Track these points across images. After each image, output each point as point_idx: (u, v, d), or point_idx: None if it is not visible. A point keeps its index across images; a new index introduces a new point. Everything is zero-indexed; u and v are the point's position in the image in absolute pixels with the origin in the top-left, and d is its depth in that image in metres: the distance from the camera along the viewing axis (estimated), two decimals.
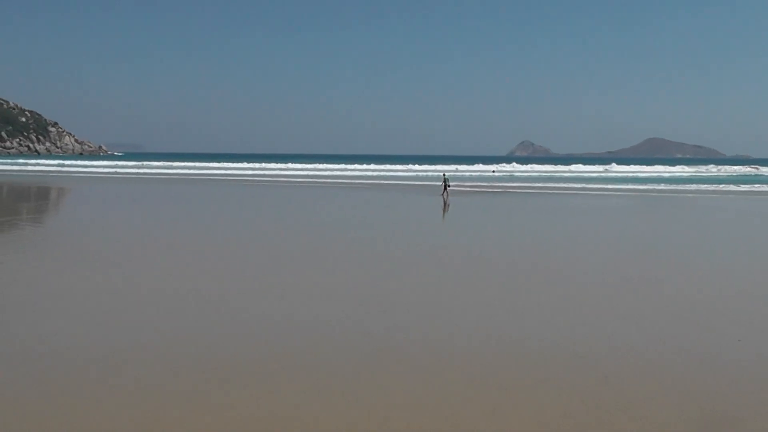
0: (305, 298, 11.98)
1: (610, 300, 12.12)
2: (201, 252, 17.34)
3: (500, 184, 58.50)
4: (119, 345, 9.12)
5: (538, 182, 64.74)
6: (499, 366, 8.49)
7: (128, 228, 23.25)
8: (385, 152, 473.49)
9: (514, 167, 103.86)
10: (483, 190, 51.76)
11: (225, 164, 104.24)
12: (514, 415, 7.05)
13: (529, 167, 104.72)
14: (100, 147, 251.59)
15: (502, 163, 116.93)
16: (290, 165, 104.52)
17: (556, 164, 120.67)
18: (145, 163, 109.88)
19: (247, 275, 14.27)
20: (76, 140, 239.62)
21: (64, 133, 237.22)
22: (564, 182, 66.00)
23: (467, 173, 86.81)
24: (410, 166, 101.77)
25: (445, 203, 37.36)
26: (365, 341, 9.49)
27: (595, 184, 63.04)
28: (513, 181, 65.77)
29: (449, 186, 42.54)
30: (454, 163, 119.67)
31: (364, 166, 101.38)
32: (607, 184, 63.51)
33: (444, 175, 43.92)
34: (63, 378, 7.94)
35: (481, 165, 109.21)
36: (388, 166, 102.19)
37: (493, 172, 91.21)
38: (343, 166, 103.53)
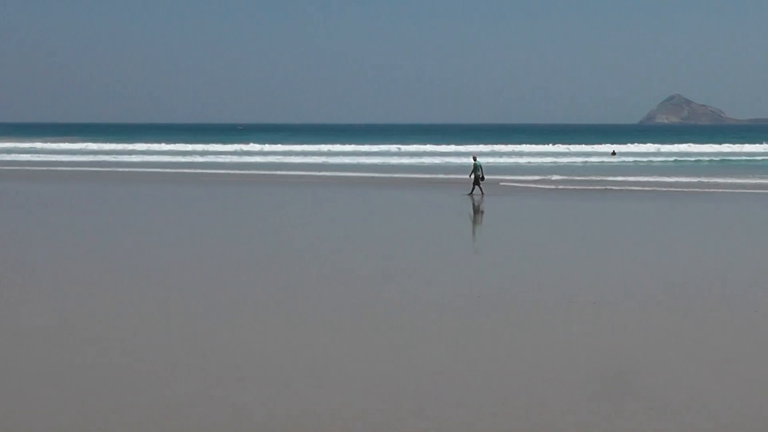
0: (285, 379, 8.73)
1: None
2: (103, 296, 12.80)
3: (616, 179, 39.63)
4: None
5: (694, 174, 41.36)
6: None
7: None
8: (432, 120, 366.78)
9: (646, 148, 72.17)
10: (584, 187, 35.42)
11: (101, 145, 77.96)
12: None
13: (680, 147, 72.82)
14: None
15: (625, 142, 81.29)
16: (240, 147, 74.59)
17: (732, 142, 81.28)
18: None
19: (189, 336, 10.39)
20: None
21: None
22: (743, 176, 40.97)
23: (556, 161, 56.13)
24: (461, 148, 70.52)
25: (475, 207, 28.19)
26: None
27: None
28: (644, 173, 43.08)
29: (482, 178, 31.44)
30: (545, 141, 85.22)
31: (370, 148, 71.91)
32: None
33: (474, 160, 32.24)
34: None
35: (595, 146, 74.46)
36: (419, 147, 73.67)
37: (613, 153, 66.57)
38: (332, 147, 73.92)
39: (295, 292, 13.33)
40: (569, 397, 8.47)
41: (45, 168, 47.02)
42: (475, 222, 25.28)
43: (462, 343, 10.25)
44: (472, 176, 30.92)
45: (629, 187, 34.76)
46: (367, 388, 8.59)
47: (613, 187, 34.62)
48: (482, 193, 30.25)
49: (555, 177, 39.69)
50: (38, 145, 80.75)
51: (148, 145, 77.13)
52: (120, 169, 45.98)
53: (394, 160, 56.07)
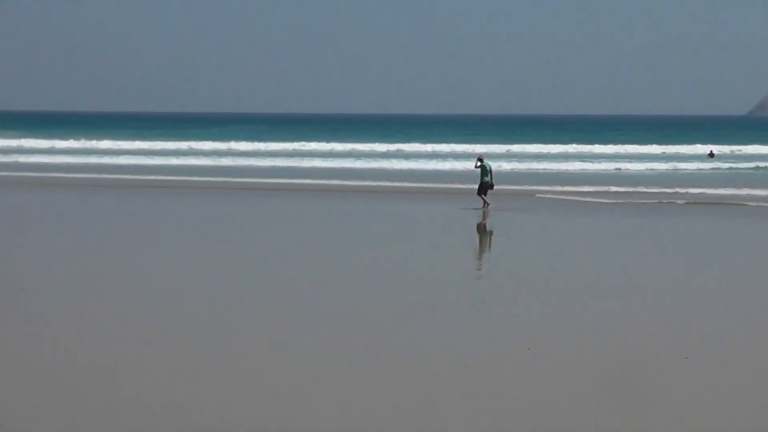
0: (299, 394, 8.93)
1: None
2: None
3: (703, 191, 33.32)
4: None
5: None
6: None
7: None
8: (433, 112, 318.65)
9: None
10: (652, 201, 30.36)
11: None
12: None
13: None
14: None
15: (723, 144, 69.47)
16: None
17: None
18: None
19: (201, 348, 10.64)
20: None
21: None
22: None
23: (629, 167, 47.95)
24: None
25: (483, 223, 24.74)
26: None
27: None
28: (745, 183, 36.31)
29: (491, 186, 26.86)
30: (622, 140, 74.56)
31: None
32: None
33: (481, 161, 27.41)
34: None
35: (685, 146, 66.19)
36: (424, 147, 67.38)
37: (710, 155, 60.65)
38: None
39: (308, 306, 13.47)
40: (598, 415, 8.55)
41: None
42: (484, 245, 21.68)
43: (494, 368, 10.02)
44: (483, 182, 26.36)
45: (720, 202, 29.32)
46: (383, 406, 8.55)
47: (699, 201, 29.17)
48: (486, 203, 25.97)
49: (614, 188, 33.65)
50: (23, 141, 72.45)
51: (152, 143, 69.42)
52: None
53: (405, 165, 49.02)
